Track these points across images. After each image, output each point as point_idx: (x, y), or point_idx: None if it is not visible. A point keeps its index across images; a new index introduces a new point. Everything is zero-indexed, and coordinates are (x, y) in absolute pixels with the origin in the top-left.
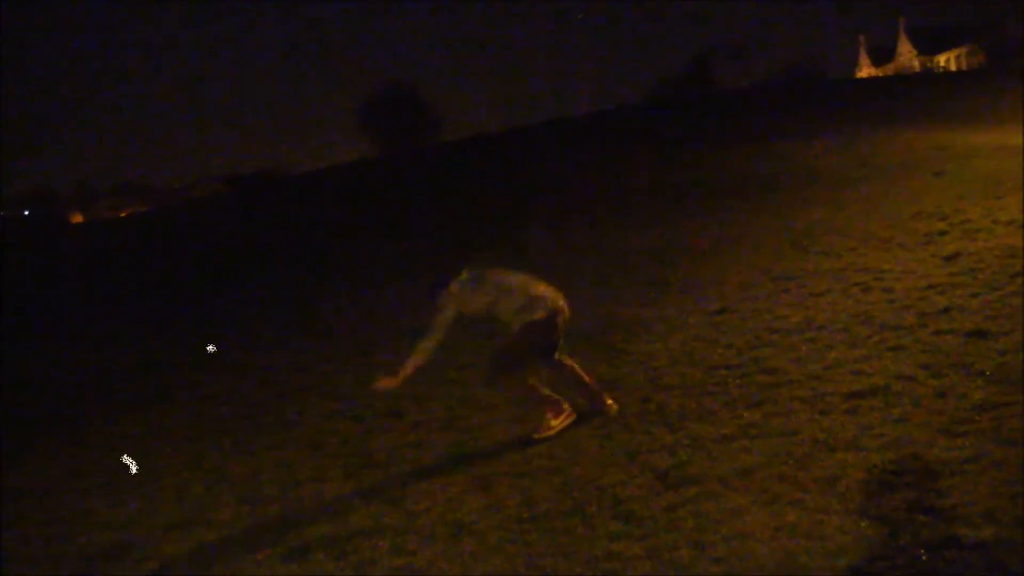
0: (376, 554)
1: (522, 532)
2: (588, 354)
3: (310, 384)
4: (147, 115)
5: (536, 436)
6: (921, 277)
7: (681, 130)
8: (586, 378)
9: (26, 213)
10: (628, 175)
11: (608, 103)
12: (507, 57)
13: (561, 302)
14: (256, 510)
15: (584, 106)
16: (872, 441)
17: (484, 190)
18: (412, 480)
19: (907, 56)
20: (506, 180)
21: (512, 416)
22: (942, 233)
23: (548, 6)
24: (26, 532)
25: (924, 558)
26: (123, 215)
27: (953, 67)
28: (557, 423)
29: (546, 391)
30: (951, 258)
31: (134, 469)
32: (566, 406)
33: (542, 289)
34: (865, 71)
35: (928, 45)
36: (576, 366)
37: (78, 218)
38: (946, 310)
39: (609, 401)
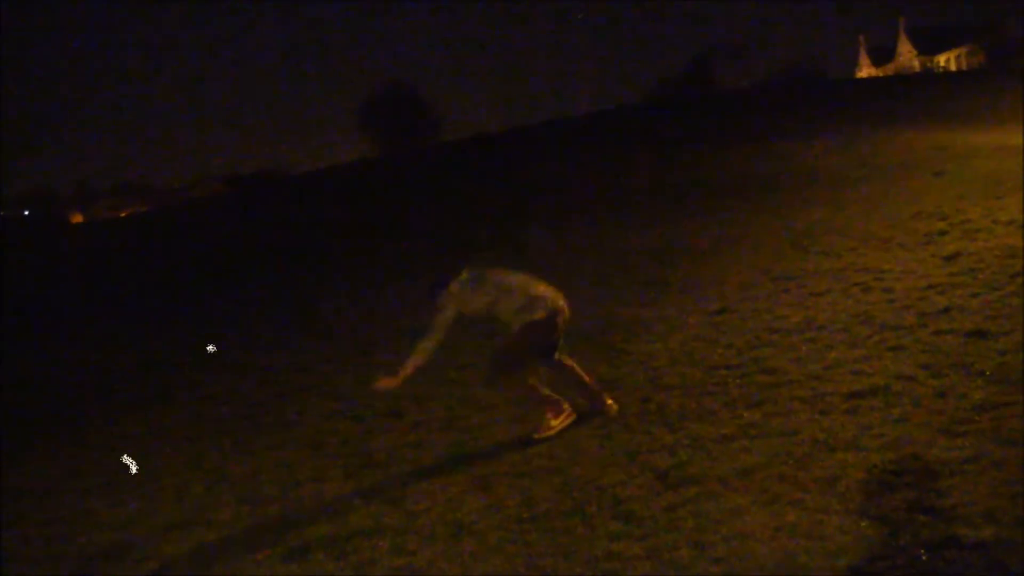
0: (376, 554)
1: (522, 532)
2: (588, 354)
3: (310, 384)
4: (147, 115)
5: (536, 436)
6: (921, 277)
7: (681, 130)
8: (586, 378)
9: (26, 213)
10: (628, 175)
11: (608, 103)
12: (507, 57)
13: (561, 302)
14: (256, 510)
15: (584, 106)
16: (872, 441)
17: (484, 190)
18: (412, 480)
19: (907, 56)
20: (506, 180)
21: (512, 416)
22: (942, 233)
23: (548, 6)
24: (26, 532)
25: (924, 558)
26: (123, 215)
27: (953, 67)
28: (557, 423)
29: (546, 391)
30: (951, 258)
31: (134, 469)
32: (566, 406)
33: (542, 289)
34: (865, 71)
35: (928, 45)
36: (576, 366)
37: (78, 218)
38: (946, 310)
39: (609, 401)
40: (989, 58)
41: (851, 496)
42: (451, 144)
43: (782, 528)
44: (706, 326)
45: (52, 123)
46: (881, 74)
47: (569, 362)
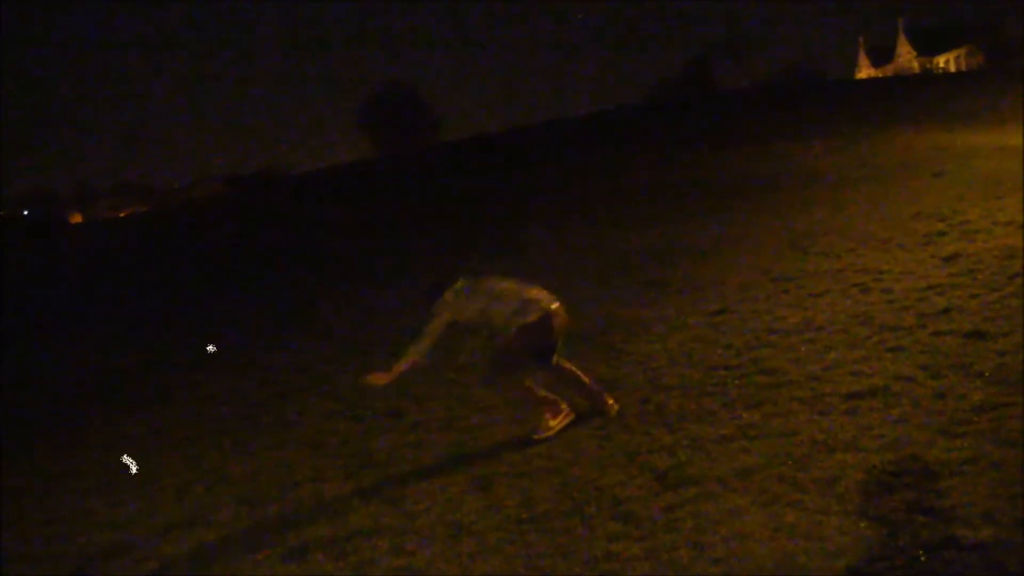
0: (376, 554)
1: (521, 532)
2: (588, 354)
3: (310, 384)
4: (147, 115)
5: (535, 436)
6: (920, 278)
7: (681, 130)
8: (585, 379)
9: (26, 213)
10: (628, 175)
11: (608, 103)
12: (507, 57)
13: (555, 305)
14: (256, 510)
15: (584, 106)
16: (871, 442)
17: (484, 190)
18: (412, 480)
19: (906, 57)
20: (506, 180)
21: (512, 416)
22: (941, 234)
23: (548, 6)
24: (26, 532)
25: (923, 559)
26: (123, 215)
27: (952, 68)
28: (556, 423)
29: (543, 392)
30: (950, 259)
31: (134, 469)
32: (564, 406)
33: (535, 293)
34: (864, 72)
35: (927, 46)
36: (575, 368)
37: (78, 218)
38: (945, 311)
39: (610, 401)
40: (988, 58)
41: (850, 497)
42: (451, 144)
43: (781, 529)
44: (706, 327)
45: (52, 123)
46: (880, 75)
47: (568, 365)
